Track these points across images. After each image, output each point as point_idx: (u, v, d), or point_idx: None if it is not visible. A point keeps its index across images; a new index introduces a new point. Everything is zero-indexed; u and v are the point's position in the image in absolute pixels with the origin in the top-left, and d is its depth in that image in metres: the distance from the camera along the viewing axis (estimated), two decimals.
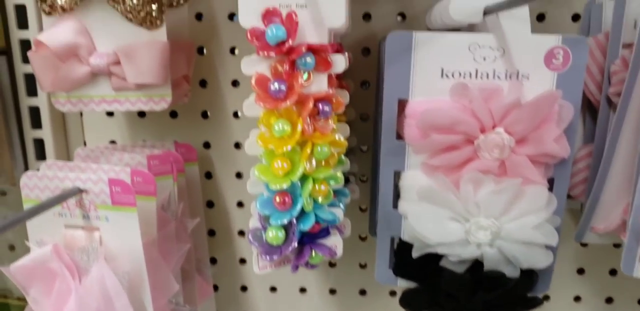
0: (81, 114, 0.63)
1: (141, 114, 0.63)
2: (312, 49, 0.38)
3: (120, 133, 0.63)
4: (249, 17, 0.38)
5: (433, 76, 0.43)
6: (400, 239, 0.48)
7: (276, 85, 0.37)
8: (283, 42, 0.37)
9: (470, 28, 0.48)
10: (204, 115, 0.63)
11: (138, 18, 0.48)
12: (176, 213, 0.53)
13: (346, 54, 0.45)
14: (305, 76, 0.38)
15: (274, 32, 0.36)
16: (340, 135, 0.41)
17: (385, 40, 0.43)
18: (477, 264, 0.45)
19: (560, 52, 0.42)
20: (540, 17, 0.58)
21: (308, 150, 0.39)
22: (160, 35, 0.49)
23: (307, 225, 0.40)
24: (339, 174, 0.42)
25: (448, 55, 0.43)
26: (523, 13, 0.42)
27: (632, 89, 0.46)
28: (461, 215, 0.44)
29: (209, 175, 0.65)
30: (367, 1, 0.58)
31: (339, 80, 0.52)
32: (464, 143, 0.43)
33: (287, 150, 0.38)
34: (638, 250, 0.43)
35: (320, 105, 0.39)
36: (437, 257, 0.46)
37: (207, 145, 0.64)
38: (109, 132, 0.63)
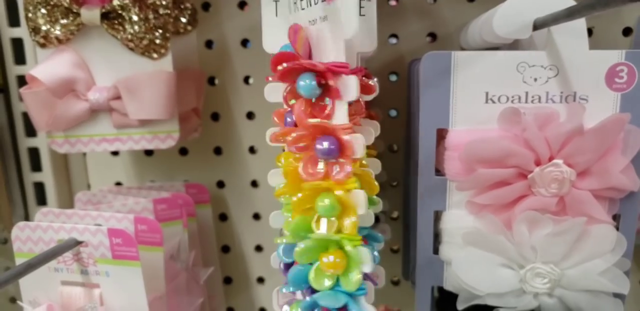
0: (84, 154, 0.59)
1: (148, 152, 0.58)
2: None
3: (127, 174, 0.58)
4: (275, 43, 0.33)
5: (476, 101, 0.38)
6: (441, 288, 0.42)
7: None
8: None
9: (513, 46, 0.43)
10: (217, 151, 0.58)
11: (140, 47, 0.43)
12: (187, 262, 0.48)
13: (375, 79, 0.40)
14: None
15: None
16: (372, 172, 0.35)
17: (420, 63, 0.38)
18: None
19: (625, 69, 0.37)
20: (588, 33, 0.52)
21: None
22: (166, 65, 0.44)
23: None
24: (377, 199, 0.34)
25: (493, 76, 0.37)
26: (579, 26, 0.36)
27: None
28: (515, 260, 0.38)
29: (223, 217, 0.59)
30: (394, 21, 0.53)
31: (367, 109, 0.47)
32: (515, 178, 0.37)
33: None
34: None
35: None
36: (486, 309, 0.40)
37: (221, 184, 0.58)
38: (114, 172, 0.58)
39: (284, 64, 0.31)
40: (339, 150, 0.31)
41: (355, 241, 0.32)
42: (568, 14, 0.32)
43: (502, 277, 0.38)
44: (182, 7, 0.48)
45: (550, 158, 0.36)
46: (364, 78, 0.36)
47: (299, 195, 0.33)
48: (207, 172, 0.58)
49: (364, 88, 0.35)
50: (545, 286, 0.37)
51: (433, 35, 0.54)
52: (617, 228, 0.39)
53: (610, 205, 0.38)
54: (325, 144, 0.31)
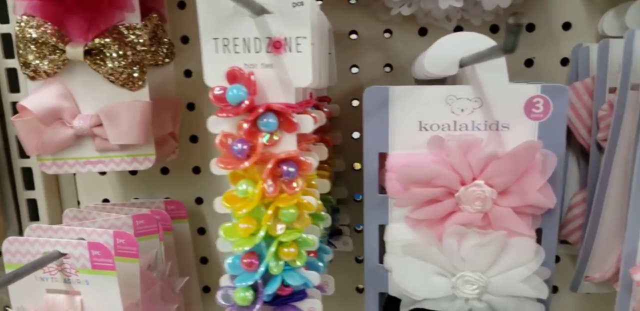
0: (74, 174, 0.64)
1: (133, 172, 0.63)
2: (274, 110, 0.37)
3: (113, 192, 0.63)
4: (214, 77, 0.38)
5: (411, 129, 0.43)
6: (388, 295, 0.46)
7: (239, 145, 0.37)
8: (243, 102, 0.37)
9: (454, 78, 0.48)
10: (196, 170, 0.63)
11: (120, 79, 0.48)
12: (163, 272, 0.52)
13: (322, 112, 0.45)
14: (267, 137, 0.37)
15: (235, 92, 0.36)
16: (312, 198, 0.40)
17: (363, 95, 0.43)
18: None
19: (540, 101, 0.41)
20: (529, 63, 0.58)
21: (270, 212, 0.38)
22: (143, 95, 0.49)
23: (272, 289, 0.39)
24: (311, 237, 0.40)
25: (425, 108, 0.42)
26: (499, 63, 0.41)
27: (618, 135, 0.45)
28: (447, 269, 0.42)
29: (202, 231, 0.64)
30: (354, 53, 0.59)
31: (323, 133, 0.52)
32: (445, 196, 0.42)
33: (246, 212, 0.38)
34: (630, 302, 0.41)
35: (284, 167, 0.38)
36: None
37: (199, 201, 0.63)
38: (102, 190, 0.63)
39: (246, 101, 0.37)
40: None
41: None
42: (477, 58, 0.37)
43: (436, 284, 0.42)
44: (161, 42, 0.53)
45: (474, 179, 0.41)
46: (307, 110, 0.41)
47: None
48: (186, 190, 0.63)
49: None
50: (474, 292, 0.42)
51: (390, 66, 0.59)
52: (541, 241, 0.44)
53: (533, 220, 0.43)
54: None
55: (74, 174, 0.64)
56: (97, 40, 0.47)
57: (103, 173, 0.63)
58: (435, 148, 0.42)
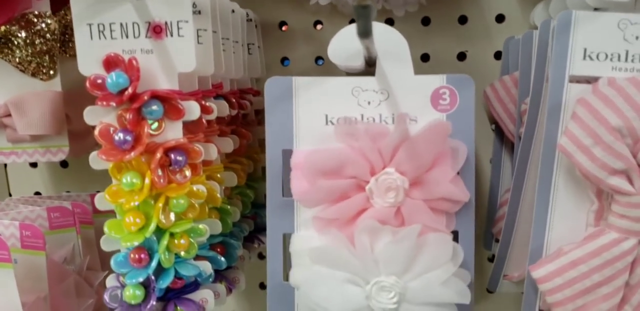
0: (5, 165, 0.63)
1: (64, 165, 0.62)
2: (160, 96, 0.36)
3: (44, 185, 0.62)
4: (89, 65, 0.37)
5: (317, 123, 0.41)
6: None
7: (121, 135, 0.36)
8: (125, 90, 0.35)
9: None
10: None
11: (29, 69, 0.47)
12: (81, 266, 0.51)
13: (224, 102, 0.44)
14: (155, 125, 0.36)
15: (114, 79, 0.35)
16: (201, 186, 0.39)
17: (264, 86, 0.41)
18: None
19: (447, 92, 0.40)
20: (462, 56, 0.56)
21: (160, 204, 0.37)
22: (55, 85, 0.48)
23: (166, 282, 0.38)
24: (201, 226, 0.39)
25: (331, 100, 0.40)
26: (404, 54, 0.40)
27: (534, 129, 0.44)
28: (360, 275, 0.39)
29: None
30: (285, 45, 0.57)
31: (245, 127, 0.51)
32: (355, 190, 0.39)
33: (136, 205, 0.37)
34: (537, 302, 0.40)
35: (172, 155, 0.37)
36: None
37: None
38: (33, 183, 0.63)
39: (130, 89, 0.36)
40: None
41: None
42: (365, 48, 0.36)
43: (348, 295, 0.38)
44: None
45: (384, 168, 0.39)
46: (203, 99, 0.40)
47: None
48: None
49: (203, 109, 0.39)
50: (392, 300, 0.38)
51: (323, 58, 0.58)
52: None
53: (447, 220, 0.40)
54: None
55: (5, 166, 0.63)
56: (2, 28, 0.46)
57: (34, 165, 0.62)
58: (343, 134, 0.39)
